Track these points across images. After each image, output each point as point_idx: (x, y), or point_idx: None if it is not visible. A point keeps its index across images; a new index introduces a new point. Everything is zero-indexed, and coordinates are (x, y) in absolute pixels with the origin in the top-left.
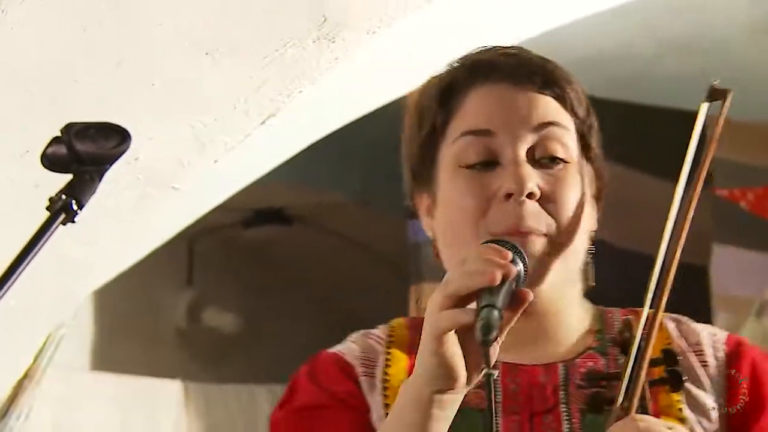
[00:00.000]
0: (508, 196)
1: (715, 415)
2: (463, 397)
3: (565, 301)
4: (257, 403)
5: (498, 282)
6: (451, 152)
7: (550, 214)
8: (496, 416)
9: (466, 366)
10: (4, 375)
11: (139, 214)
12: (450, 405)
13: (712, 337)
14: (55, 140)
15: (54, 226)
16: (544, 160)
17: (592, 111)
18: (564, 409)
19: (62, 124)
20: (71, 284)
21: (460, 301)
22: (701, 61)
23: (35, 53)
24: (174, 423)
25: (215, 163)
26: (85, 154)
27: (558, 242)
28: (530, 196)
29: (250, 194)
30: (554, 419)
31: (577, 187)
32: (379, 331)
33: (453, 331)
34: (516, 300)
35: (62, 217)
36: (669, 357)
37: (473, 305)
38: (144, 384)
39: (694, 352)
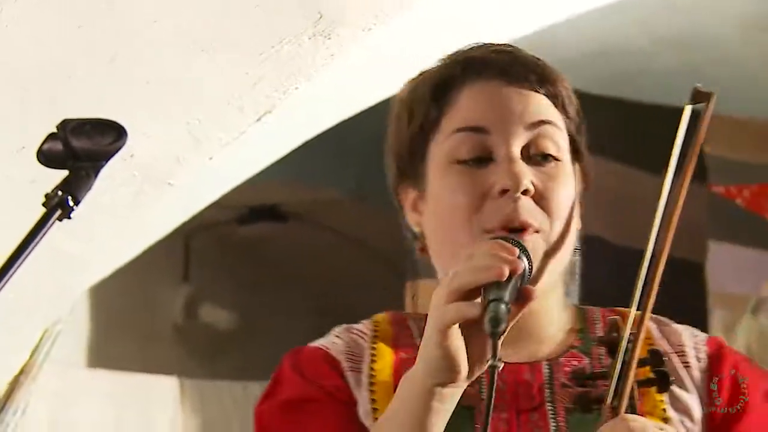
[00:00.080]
0: (503, 192)
1: (698, 415)
2: (462, 391)
3: (551, 300)
4: (252, 400)
5: (506, 277)
6: (444, 148)
7: (543, 210)
8: (488, 411)
9: (467, 360)
10: (0, 371)
11: (134, 210)
12: (450, 398)
13: (693, 339)
14: (50, 136)
15: (50, 222)
16: (537, 157)
17: (580, 111)
18: (550, 408)
19: (58, 121)
20: (67, 280)
21: (466, 296)
22: (696, 57)
23: (30, 50)
24: (169, 419)
25: (210, 159)
26: (81, 151)
27: (552, 240)
28: (525, 192)
29: (246, 191)
30: (540, 417)
31: (569, 184)
32: (362, 327)
33: (457, 325)
34: (521, 297)
35: (58, 213)
36: (656, 357)
37: (478, 300)
38: (140, 380)
39: (676, 353)
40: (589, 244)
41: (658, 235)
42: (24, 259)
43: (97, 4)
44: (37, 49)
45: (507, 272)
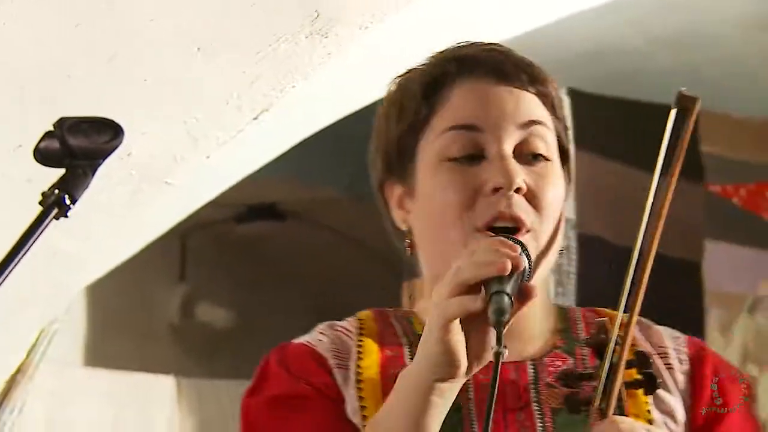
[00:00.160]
0: (496, 190)
1: (681, 417)
2: (460, 387)
3: (537, 300)
4: None
5: (508, 272)
6: (435, 146)
7: (534, 209)
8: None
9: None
10: None
11: (131, 209)
12: (449, 393)
13: (674, 340)
14: (47, 135)
15: (47, 220)
16: (528, 157)
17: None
18: (536, 407)
19: (55, 119)
20: (64, 279)
21: (467, 291)
22: (694, 56)
23: (29, 49)
24: (167, 418)
25: (208, 158)
26: (77, 149)
27: (542, 240)
28: (518, 191)
29: (243, 189)
30: (527, 417)
31: (559, 185)
32: (347, 324)
33: (458, 320)
34: (522, 294)
35: (55, 211)
36: (642, 359)
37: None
38: (137, 379)
39: (659, 354)
40: (589, 244)
41: (647, 235)
42: (21, 258)
43: (96, 3)
44: (36, 48)
45: (509, 267)
